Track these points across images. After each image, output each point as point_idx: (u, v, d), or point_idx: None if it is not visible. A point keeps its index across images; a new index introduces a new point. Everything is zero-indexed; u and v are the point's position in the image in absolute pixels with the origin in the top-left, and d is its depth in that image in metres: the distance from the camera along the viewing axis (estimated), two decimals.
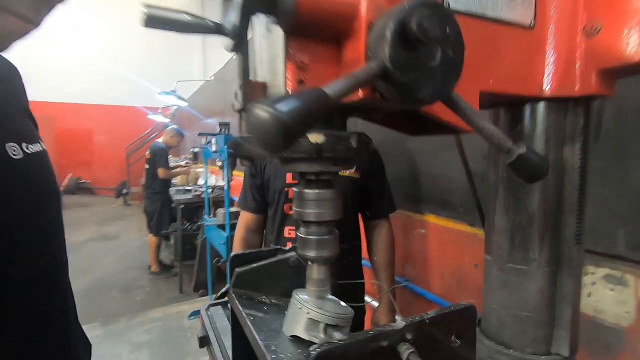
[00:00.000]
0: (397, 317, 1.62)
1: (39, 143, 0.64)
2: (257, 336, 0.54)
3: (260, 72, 0.51)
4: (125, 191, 10.78)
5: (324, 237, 0.52)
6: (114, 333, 3.51)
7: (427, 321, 0.44)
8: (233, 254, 0.71)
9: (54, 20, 0.50)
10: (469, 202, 1.41)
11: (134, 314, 3.89)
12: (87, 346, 0.80)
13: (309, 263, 0.55)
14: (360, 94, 0.39)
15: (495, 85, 0.59)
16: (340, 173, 0.67)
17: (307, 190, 0.51)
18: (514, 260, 0.72)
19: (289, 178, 1.43)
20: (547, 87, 0.62)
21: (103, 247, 6.40)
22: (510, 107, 0.71)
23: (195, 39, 11.82)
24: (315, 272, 0.54)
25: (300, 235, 0.53)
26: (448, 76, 0.39)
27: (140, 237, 6.58)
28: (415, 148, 1.68)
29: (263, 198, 1.50)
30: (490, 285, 0.78)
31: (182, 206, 4.63)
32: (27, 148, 0.60)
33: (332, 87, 0.32)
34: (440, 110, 0.52)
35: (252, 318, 0.60)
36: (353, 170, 1.60)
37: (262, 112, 0.25)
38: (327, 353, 0.37)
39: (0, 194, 0.54)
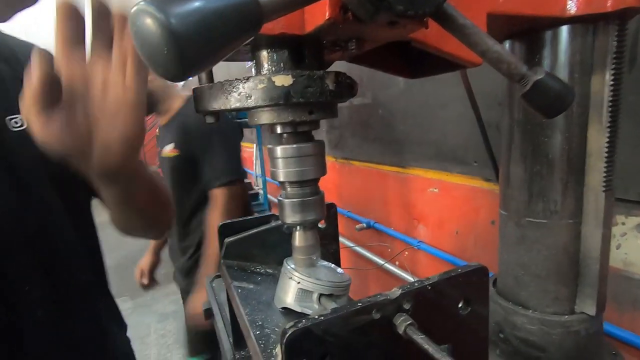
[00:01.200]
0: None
1: None
2: (242, 310, 0.49)
3: None
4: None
5: (308, 199, 0.46)
6: (141, 305, 3.67)
7: (428, 287, 0.38)
8: (221, 223, 0.66)
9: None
10: (483, 155, 1.31)
11: (159, 286, 4.04)
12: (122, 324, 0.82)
13: (294, 229, 0.49)
14: (327, 12, 0.31)
15: (506, 4, 0.49)
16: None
17: (280, 147, 0.43)
18: (532, 213, 0.64)
19: None
20: (572, 4, 0.51)
21: None
22: (525, 35, 0.60)
23: None
24: (302, 239, 0.48)
25: (280, 199, 0.47)
26: None
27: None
28: (421, 103, 1.56)
29: None
30: (506, 242, 0.71)
31: None
32: None
33: None
34: (435, 38, 0.43)
35: (239, 290, 0.55)
36: (171, 149, 1.48)
37: (143, 14, 0.18)
38: (304, 331, 0.31)
39: (2, 163, 0.55)
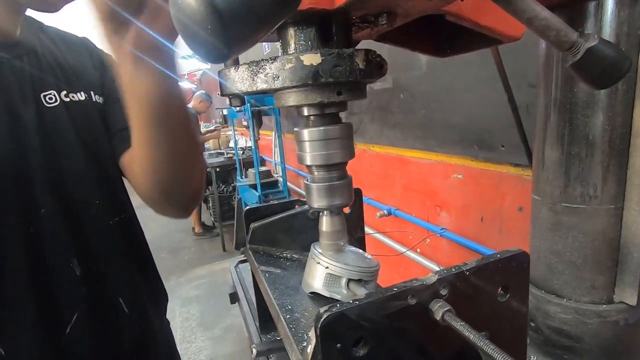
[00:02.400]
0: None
1: (86, 93, 0.66)
2: (270, 294, 0.49)
3: None
4: None
5: (335, 183, 0.44)
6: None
7: (466, 272, 0.36)
8: (246, 208, 0.66)
9: None
10: (511, 139, 1.26)
11: (182, 272, 4.17)
12: (162, 298, 0.86)
13: (320, 214, 0.48)
14: None
15: None
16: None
17: (307, 130, 0.42)
18: (569, 198, 0.61)
19: None
20: None
21: (149, 213, 6.76)
22: (567, 7, 0.56)
23: None
24: (329, 224, 0.48)
25: (307, 183, 0.46)
26: None
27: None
28: (445, 86, 1.51)
29: None
30: (539, 228, 0.68)
31: (216, 169, 4.72)
32: (67, 96, 0.63)
33: None
34: (470, 10, 0.40)
35: (267, 275, 0.55)
36: None
37: None
38: (339, 316, 0.30)
39: (36, 138, 0.58)
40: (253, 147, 3.48)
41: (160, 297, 0.84)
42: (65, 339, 0.60)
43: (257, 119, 3.49)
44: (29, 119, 0.59)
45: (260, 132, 3.79)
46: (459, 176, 1.54)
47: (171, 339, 0.88)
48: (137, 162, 0.61)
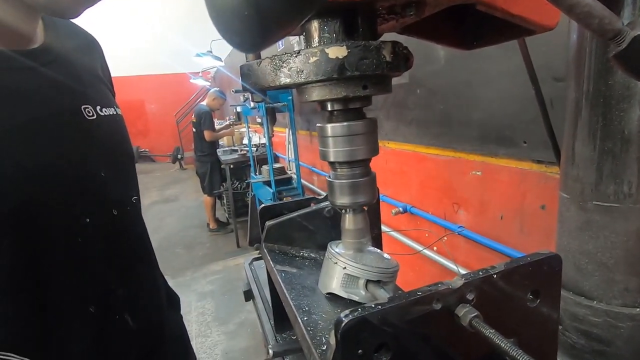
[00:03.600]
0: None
1: (113, 107, 0.70)
2: (287, 295, 0.48)
3: None
4: (179, 156, 11.37)
5: (358, 180, 0.43)
6: (181, 284, 3.85)
7: (494, 276, 0.34)
8: (262, 206, 0.65)
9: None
10: (534, 135, 1.21)
11: (197, 267, 4.22)
12: (172, 291, 0.88)
13: (343, 212, 0.47)
14: None
15: None
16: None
17: (330, 125, 0.41)
18: (601, 196, 0.58)
19: None
20: None
21: (165, 208, 6.91)
22: None
23: None
24: (351, 222, 0.46)
25: (330, 180, 0.44)
26: None
27: (197, 197, 6.97)
28: (464, 80, 1.47)
29: None
30: (567, 227, 0.65)
31: (230, 166, 4.76)
32: (101, 110, 0.65)
33: None
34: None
35: (283, 274, 0.54)
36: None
37: None
38: (360, 321, 0.29)
39: (76, 149, 0.59)
40: (267, 144, 3.48)
41: (173, 294, 0.85)
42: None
43: (271, 115, 3.48)
44: (76, 131, 0.59)
45: (274, 129, 3.79)
46: (478, 173, 1.50)
47: (185, 334, 0.88)
48: None
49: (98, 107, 0.65)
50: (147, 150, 12.55)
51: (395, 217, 2.02)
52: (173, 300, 0.85)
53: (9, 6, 0.51)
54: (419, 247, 1.81)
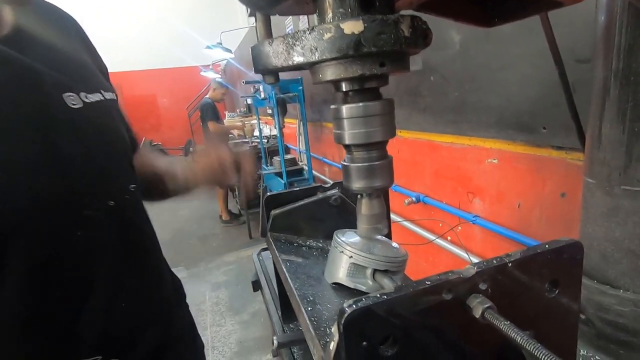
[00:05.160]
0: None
1: (100, 92, 0.64)
2: (292, 284, 0.46)
3: None
4: (191, 149, 11.52)
5: (375, 163, 0.41)
6: (196, 275, 3.91)
7: (509, 264, 0.32)
8: (267, 194, 0.63)
9: None
10: (554, 121, 1.16)
11: (211, 259, 4.28)
12: (178, 280, 0.86)
13: (359, 196, 0.45)
14: None
15: None
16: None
17: (346, 106, 0.39)
18: (630, 180, 0.54)
19: None
20: None
21: (179, 201, 7.03)
22: None
23: None
24: (367, 206, 0.44)
25: (345, 164, 0.42)
26: None
27: (210, 190, 7.08)
28: (480, 65, 1.41)
29: None
30: (592, 213, 0.61)
31: None
32: (87, 97, 0.61)
33: None
34: None
35: (288, 264, 0.52)
36: None
37: None
38: (364, 311, 0.27)
39: (61, 142, 0.54)
40: (278, 135, 3.47)
41: (178, 283, 0.85)
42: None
43: (282, 106, 3.46)
44: (60, 122, 0.55)
45: (285, 119, 3.77)
46: (494, 161, 1.45)
47: (192, 323, 0.87)
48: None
49: (83, 94, 0.60)
50: (159, 143, 12.73)
51: (408, 207, 1.98)
52: (179, 290, 0.84)
53: None
54: (432, 237, 1.78)
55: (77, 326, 0.57)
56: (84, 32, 0.73)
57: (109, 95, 0.67)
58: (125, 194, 0.66)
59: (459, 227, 1.64)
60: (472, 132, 1.53)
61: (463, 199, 1.65)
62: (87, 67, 0.67)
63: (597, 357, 0.60)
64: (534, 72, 1.20)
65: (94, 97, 0.62)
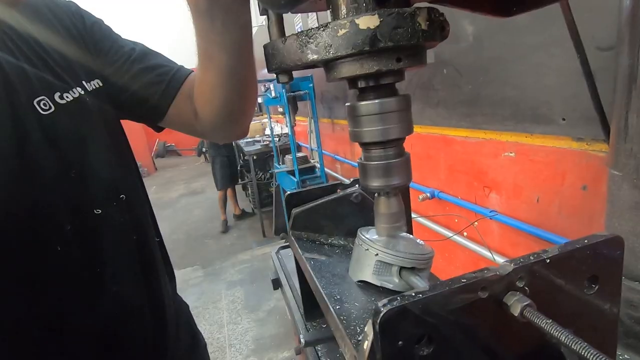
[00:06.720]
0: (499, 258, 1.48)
1: (77, 89, 0.59)
2: (318, 284, 0.46)
3: None
4: (204, 149, 11.63)
5: (392, 161, 0.40)
6: (211, 274, 3.96)
7: (547, 260, 0.31)
8: (287, 193, 0.63)
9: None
10: (574, 111, 1.13)
11: (226, 257, 4.32)
12: (182, 302, 0.85)
13: (376, 195, 0.44)
14: None
15: None
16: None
17: (362, 103, 0.38)
18: None
19: None
20: None
21: (193, 200, 7.10)
22: None
23: None
24: (385, 205, 0.43)
25: (362, 162, 0.42)
26: None
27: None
28: (494, 56, 1.38)
29: None
30: (619, 207, 0.60)
31: (254, 157, 4.80)
32: (61, 97, 0.57)
33: None
34: None
35: (312, 262, 0.52)
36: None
37: None
38: (400, 310, 0.27)
39: (36, 152, 0.52)
40: (289, 134, 3.47)
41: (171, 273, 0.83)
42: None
43: (293, 104, 3.46)
44: (33, 132, 0.52)
45: (296, 117, 3.77)
46: (511, 154, 1.42)
47: (191, 319, 0.87)
48: (209, 84, 0.62)
49: (57, 95, 0.56)
50: (173, 144, 12.89)
51: (422, 203, 1.97)
52: (179, 305, 0.83)
53: None
54: (448, 233, 1.76)
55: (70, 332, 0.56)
56: (81, 14, 0.67)
57: (93, 85, 0.62)
58: (114, 201, 0.61)
59: (476, 223, 1.62)
60: (487, 126, 1.50)
61: (479, 194, 1.63)
62: (67, 57, 0.61)
63: (625, 355, 0.59)
64: (551, 62, 1.18)
65: (71, 95, 0.58)
